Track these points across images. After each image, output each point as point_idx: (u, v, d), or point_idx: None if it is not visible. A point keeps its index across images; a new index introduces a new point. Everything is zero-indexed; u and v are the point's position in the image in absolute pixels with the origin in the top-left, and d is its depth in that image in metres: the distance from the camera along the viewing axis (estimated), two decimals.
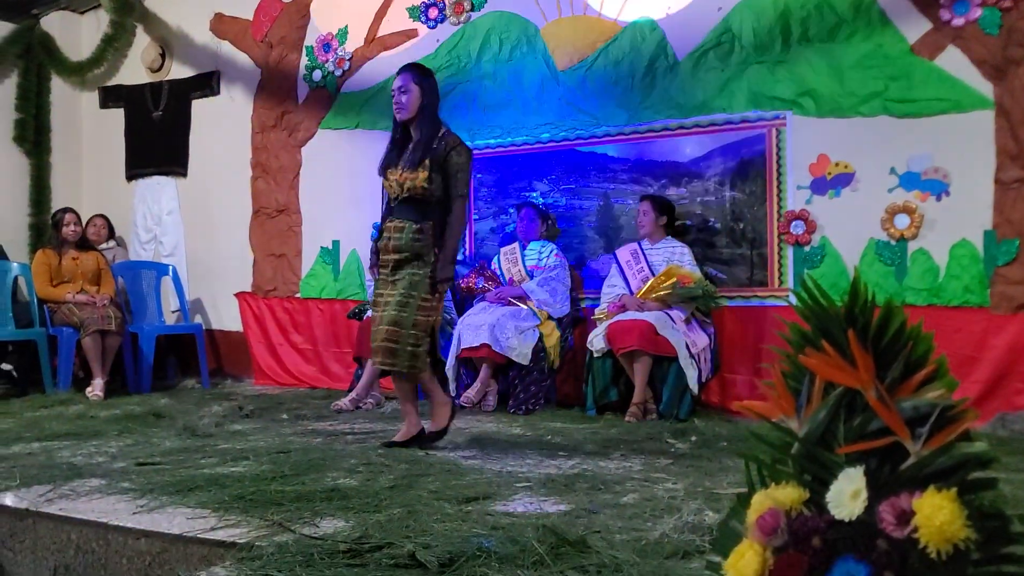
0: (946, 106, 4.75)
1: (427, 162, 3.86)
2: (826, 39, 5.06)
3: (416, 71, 4.04)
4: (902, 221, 4.85)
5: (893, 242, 4.89)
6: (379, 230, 4.10)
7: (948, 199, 4.77)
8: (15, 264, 6.71)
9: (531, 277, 5.61)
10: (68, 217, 6.54)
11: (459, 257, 4.63)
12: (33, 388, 6.24)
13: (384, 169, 4.04)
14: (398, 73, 4.03)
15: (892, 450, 1.18)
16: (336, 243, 6.75)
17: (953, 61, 4.74)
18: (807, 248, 5.11)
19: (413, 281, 3.87)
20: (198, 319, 7.38)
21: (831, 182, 5.06)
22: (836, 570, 1.13)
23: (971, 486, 1.13)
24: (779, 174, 5.20)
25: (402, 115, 3.97)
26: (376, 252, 4.08)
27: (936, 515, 1.08)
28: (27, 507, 2.94)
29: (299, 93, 6.97)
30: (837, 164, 5.04)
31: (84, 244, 6.65)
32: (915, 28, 4.84)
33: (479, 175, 6.21)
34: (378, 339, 3.88)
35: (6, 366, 6.64)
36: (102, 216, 7.41)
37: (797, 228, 5.12)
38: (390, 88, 4.05)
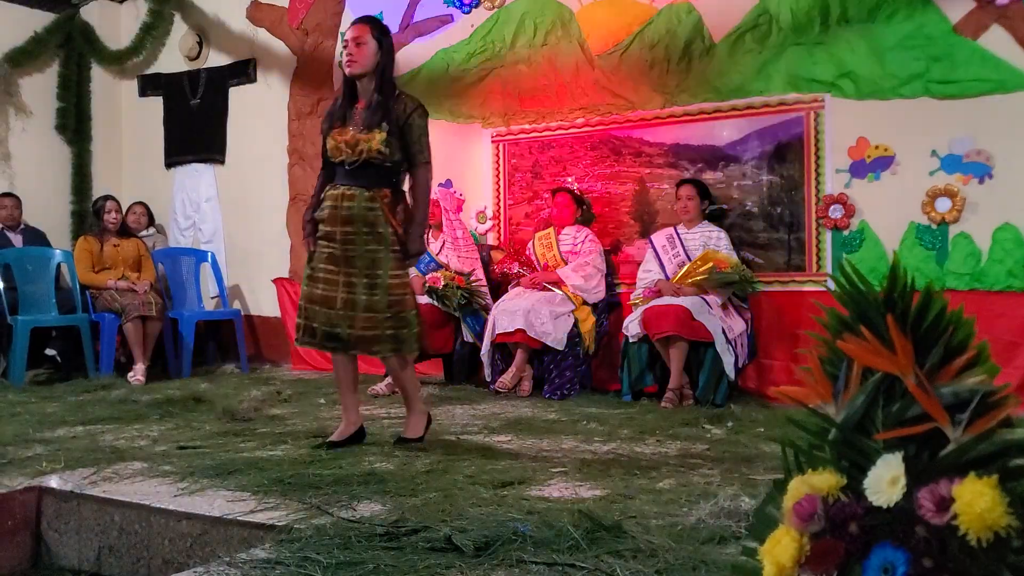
0: (989, 87, 4.67)
1: (385, 124, 3.50)
2: (866, 19, 4.99)
3: (375, 25, 3.65)
4: (943, 204, 4.78)
5: (934, 226, 4.82)
6: (319, 197, 3.69)
7: (991, 182, 4.69)
8: (58, 251, 6.82)
9: (566, 262, 5.60)
10: (109, 205, 6.64)
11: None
12: (76, 373, 6.36)
13: (329, 129, 3.64)
14: (353, 23, 3.63)
15: (931, 436, 1.17)
16: None
17: (997, 41, 4.65)
18: (846, 232, 5.06)
19: (375, 260, 3.50)
20: (237, 305, 7.46)
21: (870, 165, 5.00)
22: (873, 557, 1.12)
23: (1012, 473, 1.12)
24: (817, 157, 5.14)
25: (354, 68, 3.56)
26: (313, 222, 3.65)
27: (977, 502, 1.07)
28: (72, 489, 2.99)
29: (335, 80, 7.00)
30: (877, 147, 4.97)
31: (125, 231, 6.75)
32: (958, 7, 4.75)
33: (514, 160, 6.21)
34: (356, 327, 3.50)
35: (50, 351, 6.76)
36: (142, 203, 7.50)
37: (836, 212, 5.06)
38: (343, 40, 3.61)
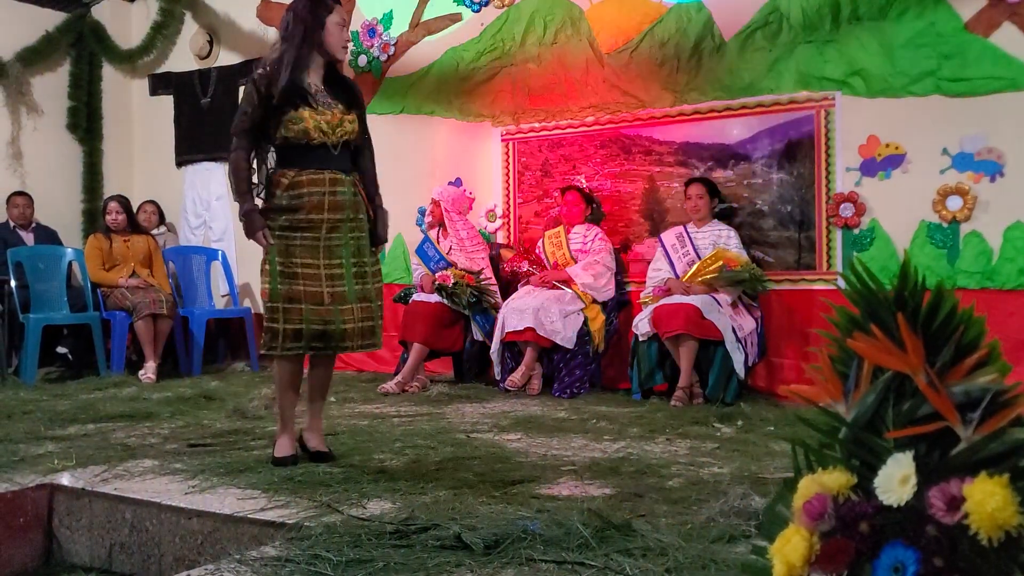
0: (1001, 84, 4.64)
1: (353, 105, 3.39)
2: (877, 17, 4.97)
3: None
4: (954, 203, 4.76)
5: (945, 224, 4.80)
6: (263, 182, 3.40)
7: (1002, 180, 4.67)
8: (69, 249, 6.84)
9: (576, 261, 5.60)
10: (111, 206, 6.67)
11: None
12: (87, 371, 6.39)
13: (292, 106, 3.22)
14: (338, 4, 3.37)
15: (942, 435, 1.17)
16: None
17: (1009, 38, 4.63)
18: (856, 231, 5.04)
19: (360, 247, 3.32)
20: (247, 303, 7.48)
21: (881, 163, 4.98)
22: (884, 556, 1.12)
23: (1023, 473, 1.12)
24: (828, 156, 5.13)
25: (346, 54, 3.48)
26: (265, 212, 3.30)
27: (987, 501, 1.06)
28: (83, 487, 3.01)
29: None
30: (888, 145, 4.96)
31: (136, 228, 6.77)
32: (969, 4, 4.73)
33: (523, 159, 6.21)
34: (353, 320, 3.26)
35: (61, 349, 6.79)
36: (152, 202, 7.53)
37: (846, 211, 5.05)
38: (334, 22, 3.30)
